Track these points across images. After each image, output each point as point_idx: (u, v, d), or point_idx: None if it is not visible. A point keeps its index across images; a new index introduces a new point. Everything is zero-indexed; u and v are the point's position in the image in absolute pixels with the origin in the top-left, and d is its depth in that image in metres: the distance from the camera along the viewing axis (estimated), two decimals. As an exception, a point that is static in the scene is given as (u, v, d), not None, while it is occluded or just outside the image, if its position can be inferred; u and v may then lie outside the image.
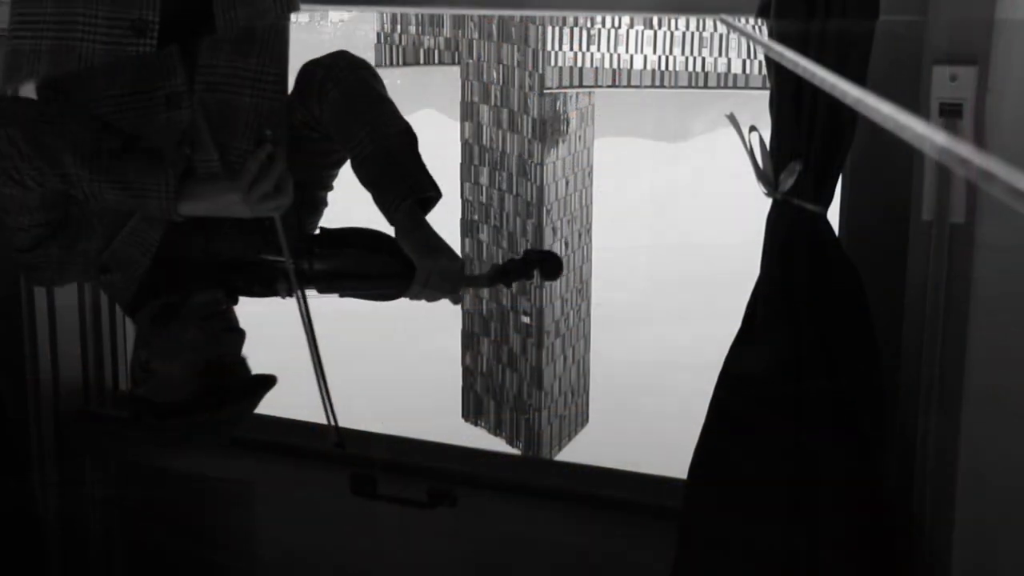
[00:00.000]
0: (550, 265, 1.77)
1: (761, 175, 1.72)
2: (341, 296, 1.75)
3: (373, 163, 1.70)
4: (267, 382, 1.74)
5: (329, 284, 1.72)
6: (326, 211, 1.89)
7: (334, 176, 1.87)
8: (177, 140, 1.64)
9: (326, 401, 1.71)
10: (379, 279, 1.72)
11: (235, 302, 1.77)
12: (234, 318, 1.71)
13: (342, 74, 1.73)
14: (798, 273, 1.70)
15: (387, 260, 1.69)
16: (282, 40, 1.74)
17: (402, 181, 1.69)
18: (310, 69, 1.76)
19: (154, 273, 1.71)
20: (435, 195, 1.72)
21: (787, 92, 1.66)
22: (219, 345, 1.65)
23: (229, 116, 1.67)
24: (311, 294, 1.71)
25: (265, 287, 1.73)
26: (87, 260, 1.71)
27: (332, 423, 1.73)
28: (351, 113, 1.71)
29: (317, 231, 1.81)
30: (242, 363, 1.69)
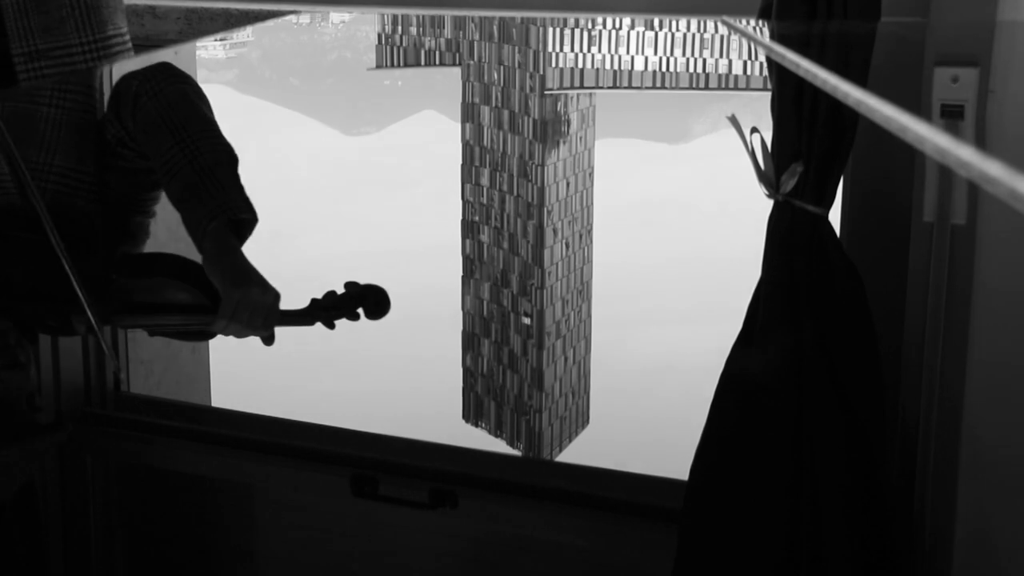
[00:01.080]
0: (373, 300, 1.59)
1: (762, 176, 1.72)
2: (151, 335, 1.61)
3: (182, 180, 1.54)
4: (54, 427, 1.60)
5: (132, 318, 1.56)
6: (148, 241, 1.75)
7: (153, 200, 1.73)
8: None
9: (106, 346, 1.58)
10: (184, 313, 1.55)
11: (31, 338, 1.61)
12: (21, 353, 1.55)
13: (159, 86, 1.58)
14: (799, 274, 1.70)
15: (192, 290, 1.54)
16: None
17: (211, 200, 1.52)
18: (126, 81, 1.62)
19: None
20: (250, 218, 1.56)
21: (788, 93, 1.66)
22: None
23: (26, 127, 1.56)
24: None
25: (60, 322, 1.58)
26: None
27: (113, 360, 1.60)
28: (164, 126, 1.56)
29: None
30: (25, 402, 1.55)
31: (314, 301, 1.59)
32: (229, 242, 1.51)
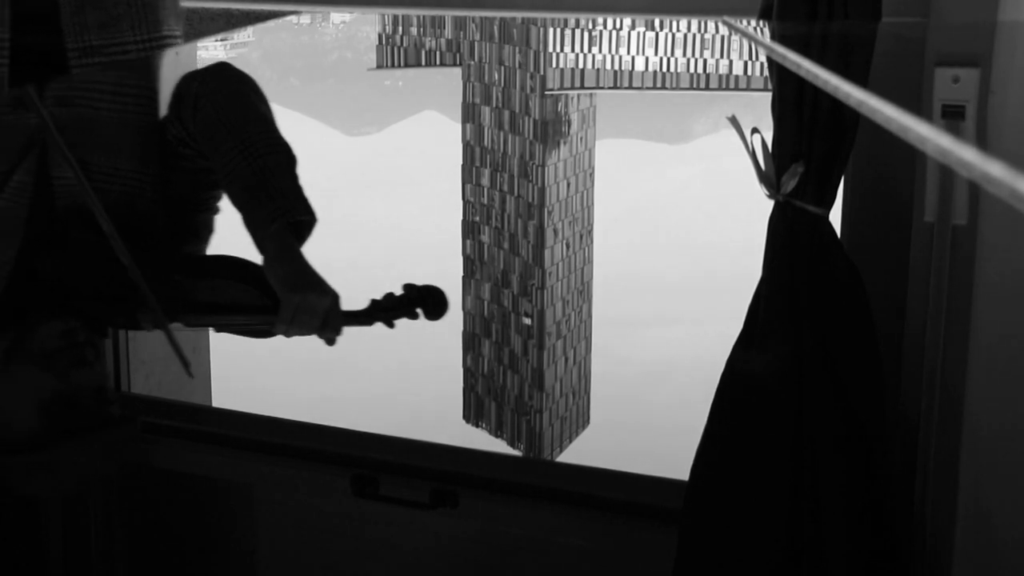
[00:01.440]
0: (432, 301, 1.61)
1: (763, 177, 1.72)
2: (218, 331, 1.62)
3: (241, 183, 1.56)
4: (122, 421, 1.61)
5: (196, 317, 1.58)
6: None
7: (216, 198, 1.74)
8: (22, 147, 1.55)
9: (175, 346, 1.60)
10: (247, 313, 1.57)
11: (102, 333, 1.64)
12: (89, 351, 1.56)
13: (218, 87, 1.60)
14: (800, 275, 1.70)
15: (253, 292, 1.55)
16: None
17: (270, 202, 1.53)
18: (186, 82, 1.63)
19: (11, 297, 1.60)
20: (308, 219, 1.56)
21: (789, 94, 1.66)
22: (64, 381, 1.50)
23: (88, 131, 1.57)
24: (175, 327, 1.57)
25: (127, 319, 1.61)
26: None
27: (178, 353, 1.63)
28: (223, 128, 1.58)
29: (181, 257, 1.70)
30: (95, 397, 1.56)
31: (374, 302, 1.61)
32: (288, 245, 1.53)
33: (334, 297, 1.52)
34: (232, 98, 1.60)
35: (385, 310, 1.60)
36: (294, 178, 1.58)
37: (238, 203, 1.58)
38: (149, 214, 1.64)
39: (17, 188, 1.55)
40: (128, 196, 1.61)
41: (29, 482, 1.57)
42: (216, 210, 1.75)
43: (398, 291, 1.64)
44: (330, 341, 1.56)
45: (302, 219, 1.55)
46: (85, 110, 1.57)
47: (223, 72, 1.63)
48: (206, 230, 1.76)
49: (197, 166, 1.66)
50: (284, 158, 1.58)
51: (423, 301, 1.61)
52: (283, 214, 1.53)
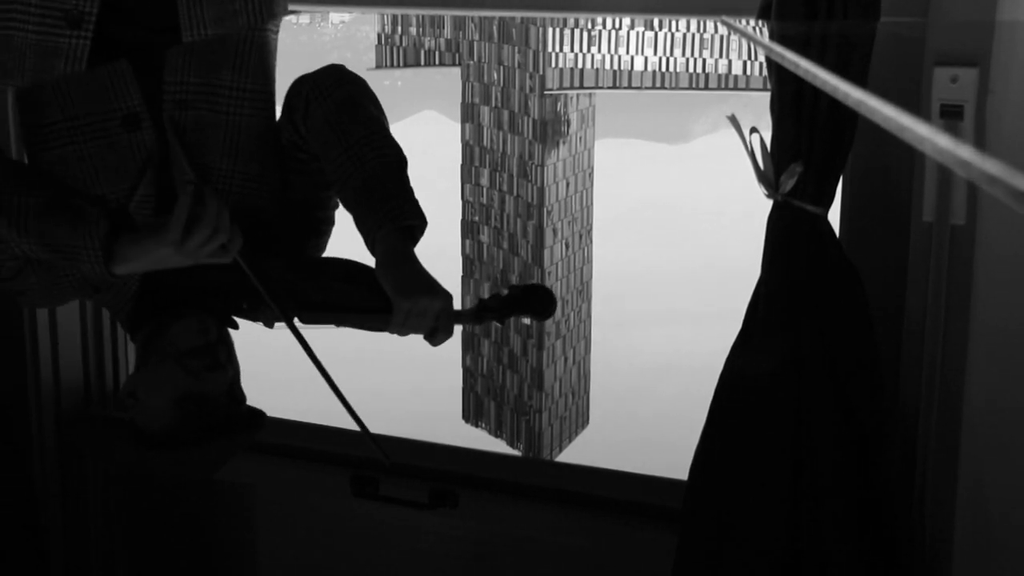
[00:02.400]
0: (538, 300, 1.62)
1: (762, 176, 1.72)
2: (339, 326, 1.65)
3: (351, 187, 1.56)
4: (252, 422, 1.62)
5: (311, 315, 1.60)
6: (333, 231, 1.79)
7: (332, 196, 1.75)
8: (142, 163, 1.56)
9: (358, 422, 1.65)
10: (359, 312, 1.59)
11: (233, 326, 1.66)
12: (222, 351, 1.56)
13: (328, 90, 1.60)
14: (798, 274, 1.70)
15: (365, 292, 1.56)
16: (262, 52, 1.63)
17: (379, 208, 1.54)
18: (297, 84, 1.64)
19: (146, 294, 1.63)
20: (418, 224, 1.57)
21: (788, 93, 1.66)
22: (198, 382, 1.49)
23: (206, 135, 1.57)
24: (295, 324, 1.58)
25: (249, 314, 1.63)
26: (72, 281, 1.61)
27: (372, 442, 1.68)
28: (331, 132, 1.58)
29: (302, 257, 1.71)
30: (223, 402, 1.52)
31: (482, 302, 1.62)
32: (397, 249, 1.53)
33: (445, 299, 1.51)
34: (341, 101, 1.59)
35: (492, 310, 1.61)
36: (402, 182, 1.58)
37: (348, 208, 1.59)
38: (268, 215, 1.65)
39: (142, 200, 1.57)
40: (246, 198, 1.62)
41: (164, 472, 1.58)
42: (335, 206, 1.76)
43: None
44: (435, 341, 1.56)
45: (410, 223, 1.56)
46: (205, 113, 1.58)
47: (334, 75, 1.63)
48: (326, 225, 1.77)
49: (310, 168, 1.67)
50: (395, 161, 1.58)
51: (529, 301, 1.62)
52: (390, 219, 1.53)
